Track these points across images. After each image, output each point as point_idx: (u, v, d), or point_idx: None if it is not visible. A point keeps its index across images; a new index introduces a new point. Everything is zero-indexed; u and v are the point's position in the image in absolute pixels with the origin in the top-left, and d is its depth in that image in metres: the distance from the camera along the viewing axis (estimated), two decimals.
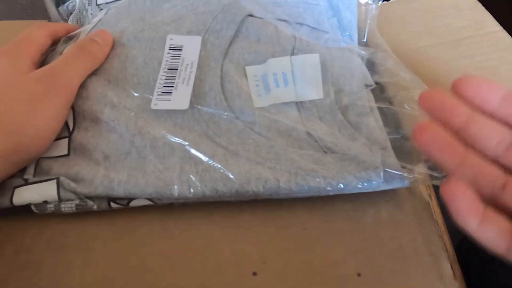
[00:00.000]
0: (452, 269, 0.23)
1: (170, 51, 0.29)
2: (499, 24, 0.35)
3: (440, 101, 0.17)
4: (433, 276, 0.22)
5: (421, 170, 0.24)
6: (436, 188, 0.27)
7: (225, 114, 0.27)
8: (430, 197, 0.26)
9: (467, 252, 0.29)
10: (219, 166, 0.25)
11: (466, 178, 0.17)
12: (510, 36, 0.34)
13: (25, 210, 0.25)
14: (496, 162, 0.17)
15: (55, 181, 0.25)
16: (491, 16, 0.36)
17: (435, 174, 0.24)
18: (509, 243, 0.16)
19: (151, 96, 0.27)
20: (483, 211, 0.16)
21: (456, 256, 0.24)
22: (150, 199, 0.25)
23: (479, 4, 0.37)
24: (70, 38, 0.32)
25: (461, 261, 0.24)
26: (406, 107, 0.28)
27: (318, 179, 0.24)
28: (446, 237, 0.24)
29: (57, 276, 0.23)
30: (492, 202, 0.17)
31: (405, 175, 0.24)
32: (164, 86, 0.27)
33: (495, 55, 0.33)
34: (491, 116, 0.17)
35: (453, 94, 0.18)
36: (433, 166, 0.25)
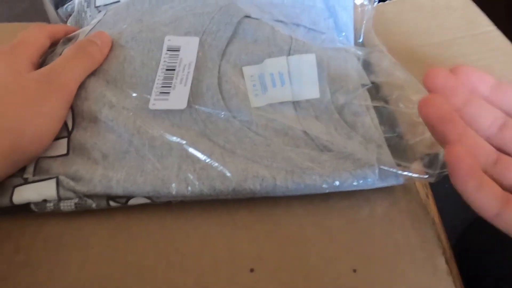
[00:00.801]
0: (447, 264, 0.23)
1: (168, 52, 0.29)
2: (492, 24, 0.35)
3: (443, 80, 0.19)
4: (427, 271, 0.22)
5: (416, 168, 0.25)
6: (432, 186, 0.27)
7: (223, 113, 0.27)
8: (428, 196, 0.27)
9: (466, 249, 0.29)
10: (217, 164, 0.25)
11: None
12: (503, 35, 0.34)
13: (25, 209, 0.25)
14: (488, 141, 0.19)
15: (54, 180, 0.25)
16: (485, 15, 0.36)
17: (430, 171, 0.24)
18: (499, 209, 0.17)
19: (149, 96, 0.28)
20: (481, 177, 0.17)
21: (453, 254, 0.24)
22: (148, 198, 0.25)
23: (472, 4, 0.37)
24: (69, 40, 0.32)
25: (458, 259, 0.24)
26: (401, 106, 0.28)
27: (314, 177, 0.24)
28: (442, 234, 0.24)
29: (55, 274, 0.23)
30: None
31: (400, 172, 0.25)
32: (162, 86, 0.28)
33: (488, 54, 0.33)
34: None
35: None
36: (428, 164, 0.25)
